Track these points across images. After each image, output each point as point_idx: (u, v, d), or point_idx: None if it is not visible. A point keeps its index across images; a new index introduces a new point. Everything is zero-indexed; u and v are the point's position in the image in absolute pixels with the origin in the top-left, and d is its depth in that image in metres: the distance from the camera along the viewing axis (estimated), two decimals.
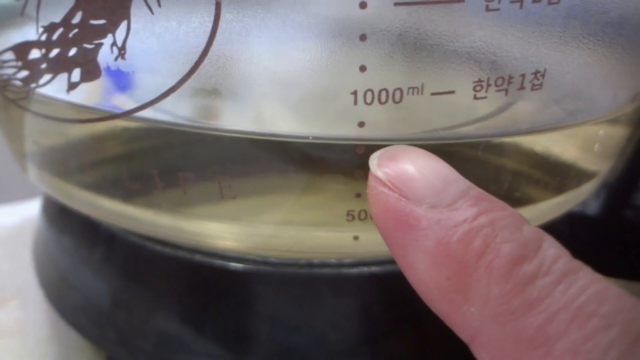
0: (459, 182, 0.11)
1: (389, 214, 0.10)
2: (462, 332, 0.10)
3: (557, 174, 0.16)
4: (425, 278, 0.10)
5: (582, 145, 0.16)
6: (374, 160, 0.11)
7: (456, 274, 0.10)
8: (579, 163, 0.17)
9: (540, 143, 0.15)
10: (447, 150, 0.14)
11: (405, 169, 0.10)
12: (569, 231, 0.20)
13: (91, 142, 0.15)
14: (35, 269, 0.22)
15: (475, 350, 0.10)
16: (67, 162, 0.16)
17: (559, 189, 0.16)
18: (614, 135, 0.17)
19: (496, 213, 0.10)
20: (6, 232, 0.26)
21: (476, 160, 0.14)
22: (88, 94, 0.13)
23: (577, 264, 0.10)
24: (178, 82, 0.11)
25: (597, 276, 0.10)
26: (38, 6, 0.12)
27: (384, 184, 0.10)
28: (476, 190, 0.11)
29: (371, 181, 0.11)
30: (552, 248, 0.10)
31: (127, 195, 0.15)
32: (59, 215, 0.20)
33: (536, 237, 0.10)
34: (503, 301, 0.10)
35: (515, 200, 0.15)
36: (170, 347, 0.16)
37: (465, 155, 0.14)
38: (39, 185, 0.18)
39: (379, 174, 0.11)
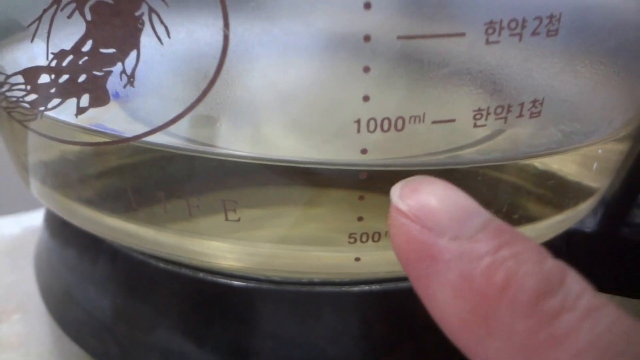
0: (481, 213, 0.11)
1: (411, 245, 0.10)
2: None
3: (556, 193, 0.16)
4: (448, 310, 0.10)
5: (581, 165, 0.17)
6: (395, 192, 0.11)
7: (479, 307, 0.10)
8: (577, 182, 0.17)
9: (539, 163, 0.16)
10: (446, 172, 0.14)
11: (427, 201, 0.10)
12: (566, 247, 0.21)
13: (96, 163, 0.15)
14: (37, 282, 0.22)
15: None
16: (72, 181, 0.16)
17: (559, 208, 0.16)
18: (613, 153, 0.17)
19: (518, 246, 0.10)
20: (9, 244, 0.26)
21: (476, 182, 0.14)
22: (95, 115, 0.13)
23: (602, 300, 0.10)
24: (186, 109, 0.12)
25: (623, 313, 0.09)
26: (49, 33, 0.12)
27: (406, 216, 0.10)
28: (497, 222, 0.10)
29: (393, 213, 0.11)
30: (576, 282, 0.10)
31: (132, 214, 0.15)
32: (61, 228, 0.20)
33: (559, 270, 0.10)
34: (527, 336, 0.09)
35: (515, 220, 0.15)
36: None
37: (464, 177, 0.14)
38: (42, 201, 0.18)
39: (401, 205, 0.11)
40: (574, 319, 0.09)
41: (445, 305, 0.10)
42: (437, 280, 0.10)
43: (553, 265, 0.10)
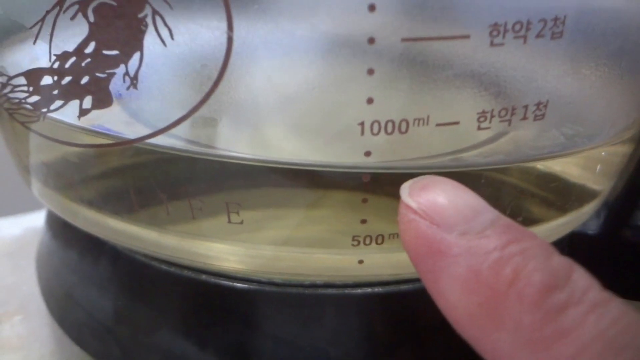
0: (488, 211, 0.11)
1: (420, 240, 0.11)
2: (493, 359, 0.10)
3: (559, 196, 0.16)
4: (457, 304, 0.10)
5: (584, 167, 0.17)
6: (405, 190, 0.11)
7: (487, 301, 0.10)
8: (581, 184, 0.17)
9: (542, 166, 0.15)
10: (450, 175, 0.14)
11: (436, 198, 0.11)
12: (569, 249, 0.21)
13: (98, 164, 0.15)
14: (38, 283, 0.22)
15: None
16: (74, 183, 0.16)
17: (562, 211, 0.16)
18: (616, 156, 0.17)
19: (526, 242, 0.10)
20: (10, 245, 0.26)
21: (479, 185, 0.14)
22: (97, 117, 0.13)
23: (608, 295, 0.10)
24: (189, 111, 0.12)
25: (628, 308, 0.10)
26: (51, 34, 0.12)
27: (415, 212, 0.11)
28: (505, 220, 0.11)
29: (402, 209, 0.11)
30: (582, 278, 0.10)
31: (134, 216, 0.15)
32: (63, 229, 0.20)
33: (566, 266, 0.10)
34: (535, 329, 0.10)
35: (518, 223, 0.15)
36: None
37: (468, 180, 0.14)
38: (44, 202, 0.18)
39: (410, 202, 0.11)
40: (579, 313, 0.10)
41: (454, 299, 0.10)
42: (445, 275, 0.10)
43: (560, 261, 0.10)
